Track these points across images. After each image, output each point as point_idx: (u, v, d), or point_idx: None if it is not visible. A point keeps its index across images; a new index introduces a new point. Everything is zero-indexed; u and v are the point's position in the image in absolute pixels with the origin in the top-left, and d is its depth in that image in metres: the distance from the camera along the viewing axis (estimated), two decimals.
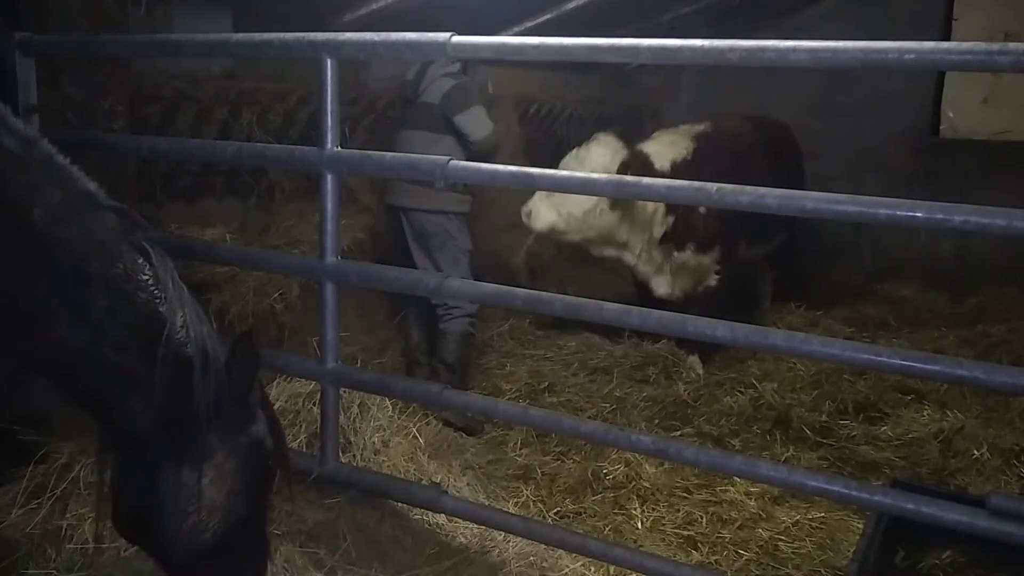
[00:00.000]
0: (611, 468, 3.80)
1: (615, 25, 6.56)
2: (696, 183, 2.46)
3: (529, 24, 6.06)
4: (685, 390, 4.72)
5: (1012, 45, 1.93)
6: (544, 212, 4.78)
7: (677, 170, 4.95)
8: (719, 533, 3.38)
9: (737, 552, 3.26)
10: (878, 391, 4.69)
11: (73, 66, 3.37)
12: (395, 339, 5.03)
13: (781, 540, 3.34)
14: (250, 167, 4.53)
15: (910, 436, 4.24)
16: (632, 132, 7.52)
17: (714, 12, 7.34)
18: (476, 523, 2.95)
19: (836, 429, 4.35)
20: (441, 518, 3.01)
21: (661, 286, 5.20)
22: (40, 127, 3.03)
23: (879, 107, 7.35)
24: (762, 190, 2.25)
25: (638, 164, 4.82)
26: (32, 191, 1.70)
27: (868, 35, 2.23)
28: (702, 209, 4.96)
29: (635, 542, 3.30)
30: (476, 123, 4.35)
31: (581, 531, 3.25)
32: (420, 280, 3.08)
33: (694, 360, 5.11)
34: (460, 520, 2.99)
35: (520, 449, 4.09)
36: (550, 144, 6.87)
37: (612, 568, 2.97)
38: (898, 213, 2.07)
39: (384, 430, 3.40)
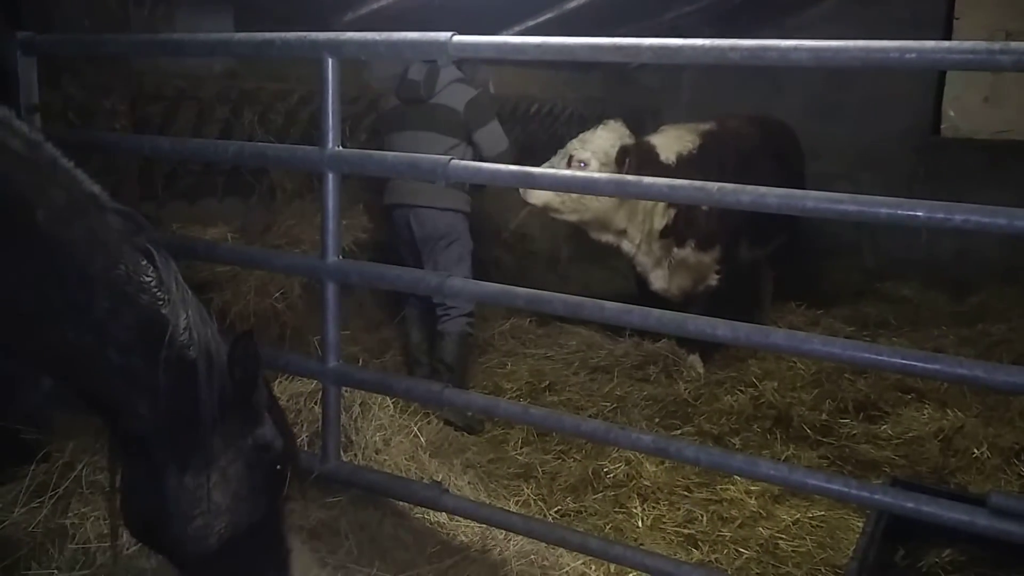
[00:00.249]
0: (612, 467, 3.80)
1: (616, 24, 6.56)
2: (697, 183, 2.46)
3: (530, 23, 6.07)
4: (686, 389, 4.72)
5: (1013, 44, 1.93)
6: (539, 191, 4.75)
7: (682, 162, 4.97)
8: (719, 531, 3.39)
9: (737, 550, 3.27)
10: (878, 390, 4.69)
11: (75, 66, 3.38)
12: (396, 338, 5.04)
13: (781, 538, 3.34)
14: (251, 167, 4.53)
15: (910, 435, 4.24)
16: (634, 130, 7.54)
17: (715, 11, 7.34)
18: (477, 522, 2.96)
19: (836, 428, 4.35)
20: (442, 517, 3.02)
21: (658, 280, 5.20)
22: (42, 127, 3.03)
23: (880, 106, 7.35)
24: (763, 189, 2.25)
25: (640, 153, 4.83)
26: (36, 192, 1.71)
27: (869, 34, 2.23)
28: (705, 207, 4.97)
29: (636, 540, 3.31)
30: (494, 140, 4.39)
31: (582, 529, 3.26)
32: (421, 279, 3.08)
33: (695, 359, 5.12)
34: (461, 519, 2.99)
35: (521, 448, 4.10)
36: (551, 143, 6.86)
37: (613, 566, 2.97)
38: (899, 212, 2.07)
39: (385, 429, 3.41)
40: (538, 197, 4.79)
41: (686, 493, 3.67)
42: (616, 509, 3.55)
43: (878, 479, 3.75)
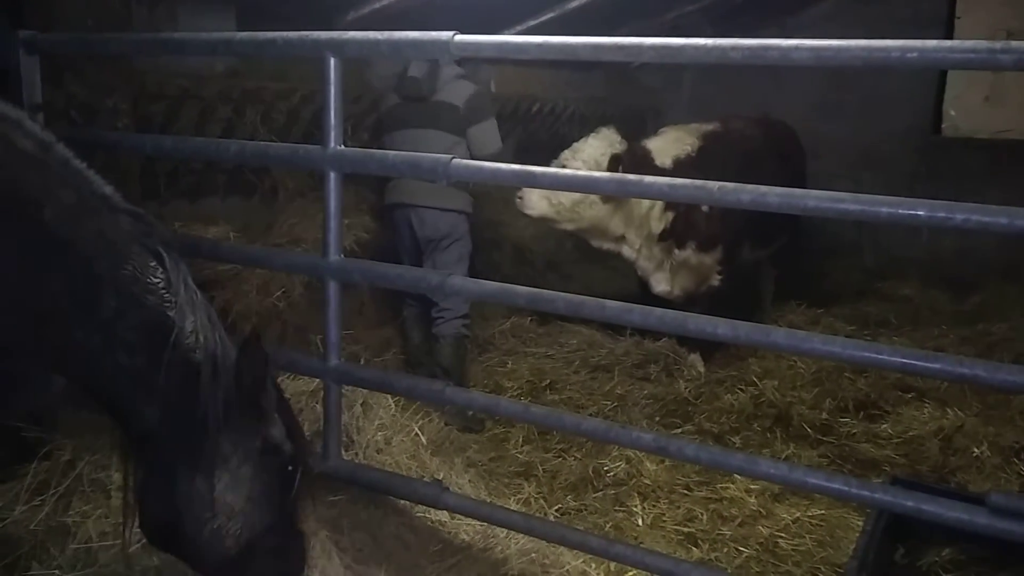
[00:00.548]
0: (612, 465, 3.81)
1: (618, 24, 6.57)
2: (698, 181, 2.46)
3: (532, 23, 6.07)
4: (686, 388, 4.73)
5: (1014, 44, 1.93)
6: (535, 200, 4.76)
7: (679, 167, 4.95)
8: (719, 530, 3.39)
9: (737, 549, 3.28)
10: (879, 389, 4.69)
11: (77, 65, 3.39)
12: (397, 337, 5.05)
13: (781, 537, 3.35)
14: (253, 165, 4.54)
15: (910, 434, 4.24)
16: (635, 130, 7.54)
17: (717, 11, 7.34)
18: (478, 520, 2.96)
19: (836, 427, 4.35)
20: (443, 515, 3.02)
21: (660, 283, 5.19)
22: (44, 126, 3.04)
23: (881, 106, 7.35)
24: (763, 188, 2.25)
25: (634, 159, 4.81)
26: (44, 192, 1.72)
27: (871, 34, 2.23)
28: (705, 208, 4.96)
29: (636, 539, 3.32)
30: (487, 138, 4.39)
31: (582, 528, 3.27)
32: (423, 278, 3.09)
33: (695, 358, 5.12)
34: (462, 517, 3.00)
35: (522, 446, 4.11)
36: (552, 143, 6.87)
37: (613, 565, 2.98)
38: (900, 211, 2.07)
39: (387, 428, 3.41)
40: (534, 208, 4.78)
41: (686, 492, 3.68)
42: (616, 507, 3.55)
43: (878, 478, 3.75)
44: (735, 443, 4.20)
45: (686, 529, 3.41)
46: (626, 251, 5.15)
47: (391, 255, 4.62)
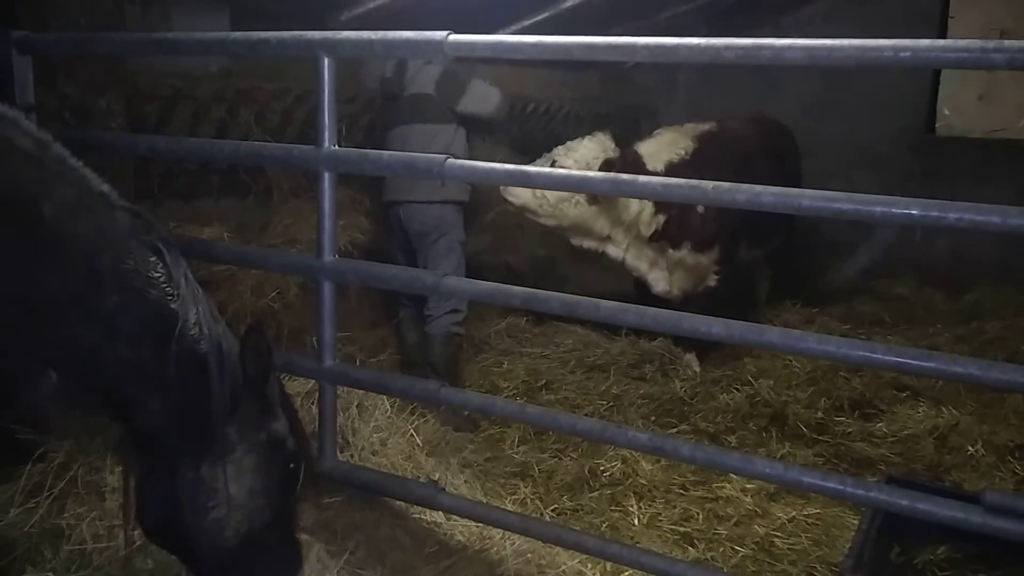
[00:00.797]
0: (608, 465, 3.81)
1: (612, 23, 6.57)
2: (693, 181, 2.47)
3: (526, 22, 6.07)
4: (681, 387, 4.73)
5: (1007, 43, 1.94)
6: (524, 193, 4.74)
7: (672, 171, 4.93)
8: (715, 529, 3.40)
9: (733, 548, 3.28)
10: (874, 388, 4.70)
11: (70, 65, 3.38)
12: (393, 338, 5.04)
13: (777, 536, 3.35)
14: (248, 166, 4.53)
15: (905, 433, 4.25)
16: (629, 130, 7.54)
17: (711, 10, 7.36)
18: (474, 520, 2.96)
19: (832, 426, 4.36)
20: (439, 516, 3.02)
21: (659, 282, 5.19)
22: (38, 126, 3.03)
23: (875, 105, 7.36)
24: (758, 188, 2.25)
25: (625, 165, 4.81)
26: (43, 189, 1.73)
27: (864, 33, 2.23)
28: (700, 208, 4.96)
29: (632, 539, 3.32)
30: (482, 99, 4.36)
31: (578, 528, 3.27)
32: (417, 278, 3.08)
33: (690, 357, 5.12)
34: (458, 518, 3.00)
35: (517, 447, 4.10)
36: (548, 142, 6.87)
37: (609, 565, 2.98)
38: (893, 211, 2.08)
39: (383, 430, 3.41)
40: (517, 197, 4.76)
41: (682, 491, 3.68)
42: (612, 507, 3.55)
43: (873, 477, 3.76)
44: (731, 442, 4.20)
45: (682, 529, 3.41)
46: (612, 250, 5.13)
47: (386, 256, 4.62)
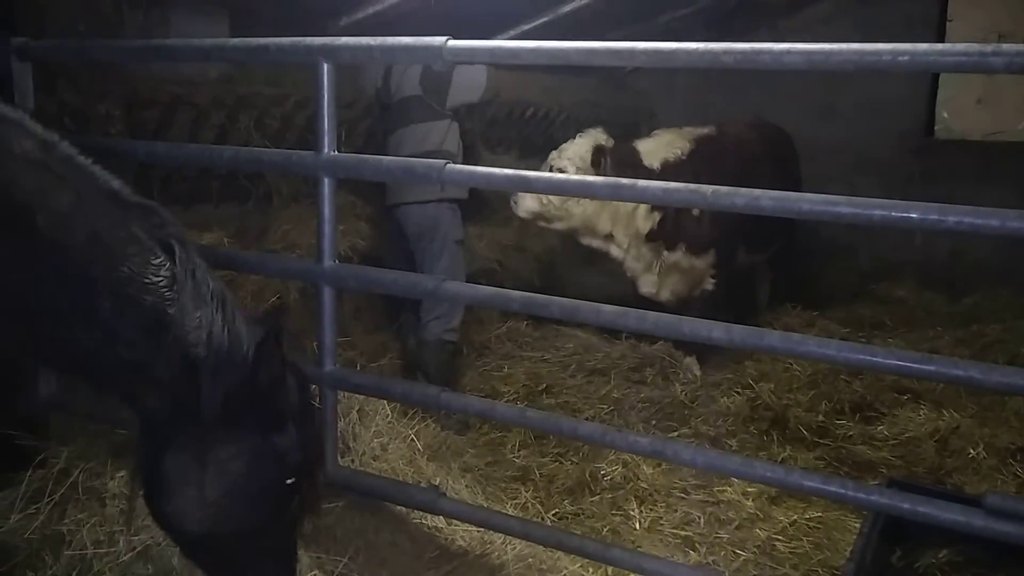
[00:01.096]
0: (609, 469, 3.81)
1: (611, 28, 6.58)
2: (692, 185, 2.47)
3: (525, 27, 6.08)
4: (682, 391, 4.73)
5: (1006, 46, 1.94)
6: (528, 200, 4.83)
7: (667, 169, 4.95)
8: (717, 533, 3.39)
9: (735, 552, 3.27)
10: (874, 391, 4.70)
11: (70, 71, 3.38)
12: (393, 342, 5.04)
13: (778, 540, 3.35)
14: (247, 171, 4.53)
15: (906, 436, 4.25)
16: (628, 135, 7.54)
17: (710, 15, 7.37)
18: (475, 525, 2.95)
19: (833, 429, 4.36)
20: (440, 521, 3.01)
21: (646, 284, 5.20)
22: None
23: (874, 109, 7.37)
24: (757, 192, 2.25)
25: (620, 155, 4.83)
26: (39, 197, 1.73)
27: (863, 37, 2.24)
28: (696, 211, 4.97)
29: (633, 543, 3.31)
30: (470, 86, 4.35)
31: (579, 532, 3.26)
32: (418, 283, 3.09)
33: (691, 361, 5.12)
34: (459, 523, 2.99)
35: (518, 451, 4.10)
36: (547, 147, 6.87)
37: (611, 569, 2.97)
38: (893, 214, 2.08)
39: (383, 435, 3.41)
40: (526, 209, 4.85)
41: (683, 495, 3.67)
42: (613, 511, 3.55)
43: (875, 480, 3.75)
44: (732, 446, 4.20)
45: (683, 532, 3.40)
46: (614, 250, 5.16)
47: (387, 261, 4.62)
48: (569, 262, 6.43)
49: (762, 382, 4.77)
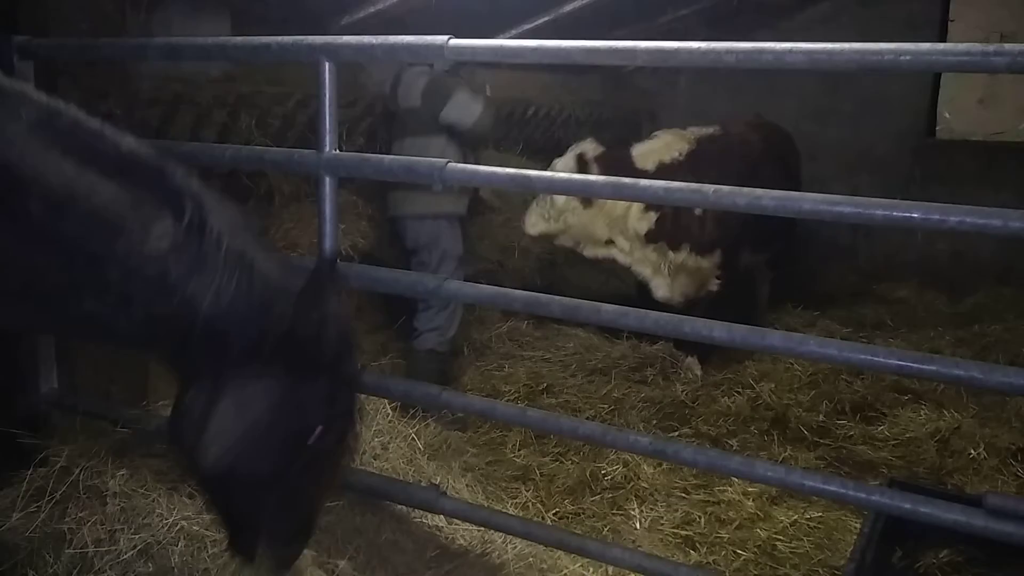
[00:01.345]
0: (609, 469, 3.81)
1: (613, 27, 6.58)
2: (693, 184, 2.47)
3: (527, 27, 6.08)
4: (683, 391, 4.73)
5: (1008, 46, 1.94)
6: (534, 219, 4.99)
7: (663, 171, 4.93)
8: (717, 533, 3.39)
9: (735, 552, 3.27)
10: (875, 391, 4.70)
11: (71, 70, 3.37)
12: (394, 342, 5.04)
13: (779, 540, 3.35)
14: (249, 170, 4.53)
15: (907, 436, 4.25)
16: (630, 134, 7.54)
17: (712, 14, 7.36)
18: (475, 524, 2.95)
19: (833, 429, 4.36)
20: (440, 520, 3.01)
21: (660, 288, 5.19)
22: None
23: (876, 108, 7.37)
24: (759, 192, 2.25)
25: (609, 160, 4.85)
26: (33, 177, 1.68)
27: (865, 37, 2.24)
28: (698, 211, 4.97)
29: (633, 542, 3.31)
30: (463, 109, 4.28)
31: (580, 532, 3.26)
32: (418, 282, 3.08)
33: (692, 361, 5.12)
34: (459, 522, 2.99)
35: (519, 450, 4.10)
36: (548, 146, 6.88)
37: (611, 568, 2.97)
38: (895, 214, 2.07)
39: (384, 434, 3.41)
40: (533, 227, 5.02)
41: (684, 495, 3.68)
42: (614, 511, 3.55)
43: (875, 480, 3.75)
44: (732, 446, 4.20)
45: (684, 532, 3.40)
46: (620, 256, 5.17)
47: (387, 260, 4.62)
48: (570, 261, 6.43)
49: (763, 382, 4.78)
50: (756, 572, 3.18)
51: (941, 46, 2.07)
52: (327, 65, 2.69)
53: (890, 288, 6.95)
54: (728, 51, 2.23)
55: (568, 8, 6.03)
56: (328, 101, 2.71)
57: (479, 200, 5.07)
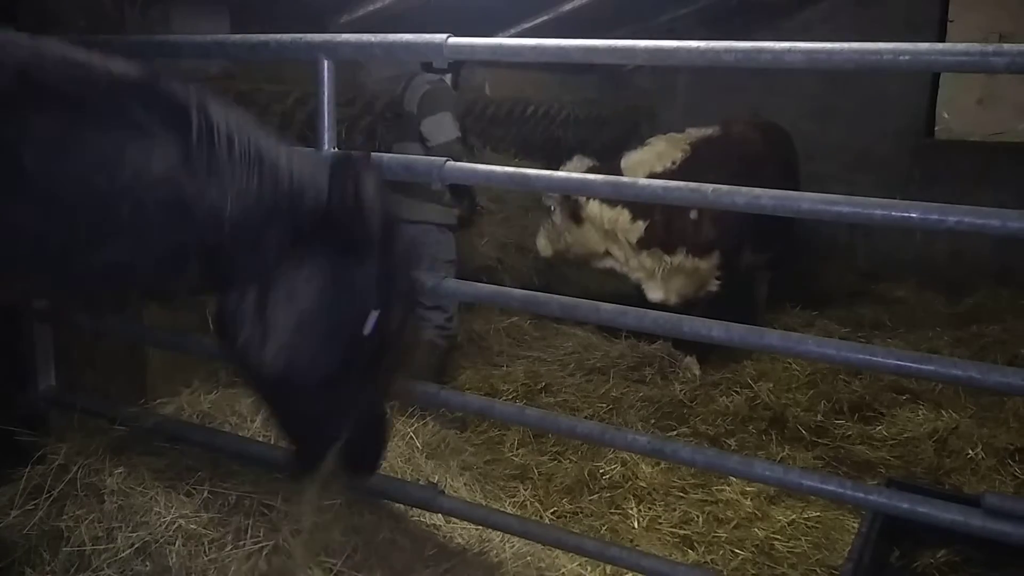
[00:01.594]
0: (608, 468, 3.81)
1: (612, 26, 6.57)
2: (692, 184, 2.46)
3: (526, 25, 6.08)
4: (681, 390, 4.73)
5: (1007, 46, 1.94)
6: (543, 242, 5.22)
7: None
8: (715, 532, 3.39)
9: (733, 551, 3.28)
10: (873, 391, 4.71)
11: None
12: None
13: (777, 539, 3.35)
14: None
15: (905, 436, 4.26)
16: (629, 133, 7.54)
17: (711, 14, 7.36)
18: (473, 523, 2.95)
19: (831, 429, 4.36)
20: (438, 519, 3.01)
21: (651, 291, 5.23)
22: None
23: (874, 108, 7.37)
24: (757, 191, 2.25)
25: (597, 173, 4.87)
26: (20, 131, 1.58)
27: (864, 36, 2.24)
28: (693, 214, 4.97)
29: (631, 542, 3.31)
30: (438, 128, 4.29)
31: (578, 531, 3.26)
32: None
33: (691, 361, 5.12)
34: (457, 521, 2.99)
35: (517, 449, 4.10)
36: (547, 145, 6.88)
37: (609, 568, 2.97)
38: (893, 214, 2.07)
39: None
40: (543, 250, 5.24)
41: (682, 494, 3.68)
42: (612, 510, 3.55)
43: (873, 480, 3.76)
44: (730, 445, 4.20)
45: (682, 532, 3.41)
46: (617, 265, 5.24)
47: None
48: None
49: (761, 381, 4.78)
50: (754, 571, 3.18)
51: (940, 46, 2.07)
52: (326, 63, 2.68)
53: (888, 288, 6.96)
54: (727, 50, 2.23)
55: (567, 7, 6.03)
56: (327, 99, 2.70)
57: (477, 210, 5.05)
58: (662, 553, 3.19)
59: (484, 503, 3.30)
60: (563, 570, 2.91)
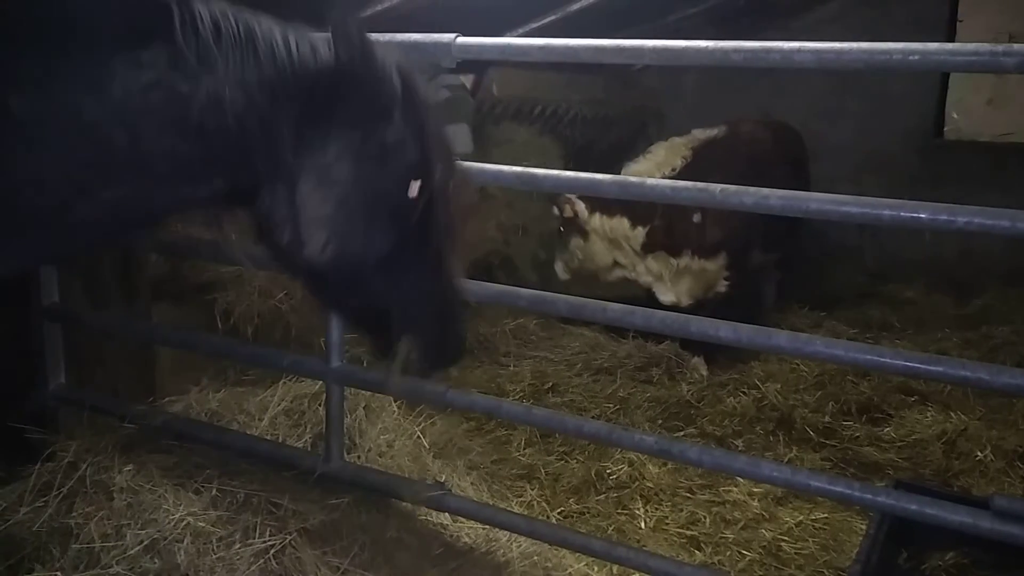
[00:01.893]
0: (615, 468, 3.81)
1: (620, 26, 6.56)
2: (700, 184, 2.46)
3: (534, 25, 6.07)
4: (689, 391, 4.73)
5: (1017, 46, 1.93)
6: (560, 267, 5.29)
7: None
8: (722, 533, 3.39)
9: (740, 552, 3.27)
10: (881, 392, 4.69)
11: None
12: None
13: (784, 541, 3.35)
14: None
15: (913, 437, 4.24)
16: (636, 133, 7.53)
17: (719, 13, 7.34)
18: (480, 523, 2.96)
19: (839, 430, 4.35)
20: (446, 518, 3.02)
21: (662, 293, 5.25)
22: None
23: (883, 108, 7.34)
24: (765, 191, 2.25)
25: (594, 201, 4.95)
26: (7, 78, 1.49)
27: (873, 36, 2.23)
28: (696, 217, 4.97)
29: (638, 542, 3.31)
30: (453, 139, 4.32)
31: (585, 531, 3.26)
32: None
33: (698, 361, 5.12)
34: (464, 520, 3.00)
35: (524, 449, 4.10)
36: (554, 145, 6.88)
37: (615, 568, 2.97)
38: (902, 214, 2.07)
39: (389, 432, 3.41)
40: (563, 274, 5.30)
41: (689, 495, 3.68)
42: (619, 510, 3.55)
43: (881, 481, 3.75)
44: (738, 446, 4.19)
45: (689, 532, 3.40)
46: (627, 273, 5.26)
47: None
48: None
49: (769, 382, 4.77)
50: (761, 572, 3.18)
51: (950, 46, 2.07)
52: None
53: (897, 289, 6.93)
54: (735, 50, 2.23)
55: (575, 7, 6.02)
56: None
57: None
58: (669, 554, 3.19)
59: (491, 503, 3.31)
60: (570, 570, 2.91)
